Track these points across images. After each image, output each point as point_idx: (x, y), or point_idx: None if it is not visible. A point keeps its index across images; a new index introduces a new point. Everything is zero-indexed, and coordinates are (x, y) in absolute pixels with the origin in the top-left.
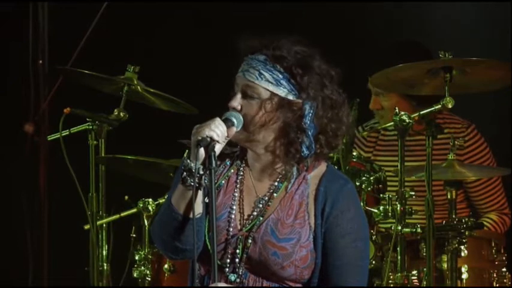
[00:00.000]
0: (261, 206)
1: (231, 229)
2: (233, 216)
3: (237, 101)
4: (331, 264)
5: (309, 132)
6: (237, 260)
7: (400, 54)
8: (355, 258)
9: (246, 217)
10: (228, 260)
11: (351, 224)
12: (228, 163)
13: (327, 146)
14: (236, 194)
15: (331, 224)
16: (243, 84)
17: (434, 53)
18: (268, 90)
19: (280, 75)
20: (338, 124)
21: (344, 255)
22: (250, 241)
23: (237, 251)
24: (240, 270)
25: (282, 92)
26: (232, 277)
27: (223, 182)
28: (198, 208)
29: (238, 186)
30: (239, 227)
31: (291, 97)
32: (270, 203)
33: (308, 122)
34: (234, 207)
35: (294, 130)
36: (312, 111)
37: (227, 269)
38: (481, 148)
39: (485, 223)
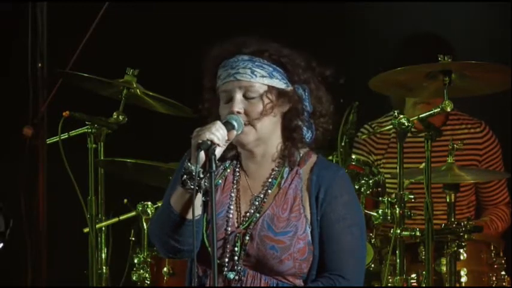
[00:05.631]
0: (257, 203)
1: (229, 228)
2: (231, 215)
3: (237, 105)
4: (327, 250)
5: (307, 115)
6: (235, 257)
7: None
8: (351, 245)
9: (243, 215)
10: (227, 259)
11: (345, 209)
12: (227, 164)
13: (320, 127)
14: (233, 194)
15: (326, 209)
16: (238, 86)
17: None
18: (264, 84)
19: (271, 68)
20: (320, 104)
21: (340, 240)
22: (247, 238)
23: (236, 248)
24: (239, 267)
25: (276, 83)
26: (231, 275)
27: (220, 181)
28: (197, 210)
29: (235, 186)
30: (236, 225)
31: (285, 86)
32: (265, 200)
33: (308, 105)
34: (232, 206)
35: (295, 116)
36: (307, 94)
37: (225, 268)
38: (496, 143)
39: (499, 213)
